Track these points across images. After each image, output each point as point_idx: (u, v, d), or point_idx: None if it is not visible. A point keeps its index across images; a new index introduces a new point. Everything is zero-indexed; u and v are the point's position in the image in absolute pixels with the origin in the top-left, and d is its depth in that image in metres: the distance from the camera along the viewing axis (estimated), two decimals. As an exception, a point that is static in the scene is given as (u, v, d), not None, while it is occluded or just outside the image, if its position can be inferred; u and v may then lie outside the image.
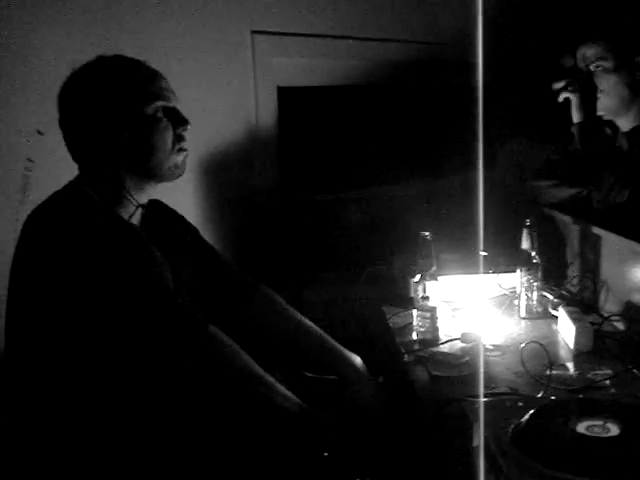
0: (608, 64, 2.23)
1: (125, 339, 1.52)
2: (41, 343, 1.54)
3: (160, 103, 1.65)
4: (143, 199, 1.72)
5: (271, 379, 1.60)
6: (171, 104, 1.69)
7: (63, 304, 1.50)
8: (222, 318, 1.74)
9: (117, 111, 1.61)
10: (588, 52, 2.26)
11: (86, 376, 1.52)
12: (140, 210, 1.72)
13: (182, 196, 2.59)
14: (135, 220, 1.71)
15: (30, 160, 2.18)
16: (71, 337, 1.51)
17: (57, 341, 1.52)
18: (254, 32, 2.76)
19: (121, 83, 1.63)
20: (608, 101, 2.26)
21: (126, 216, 1.68)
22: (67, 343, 1.51)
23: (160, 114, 1.65)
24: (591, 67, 2.26)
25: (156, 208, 1.84)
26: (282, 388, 1.61)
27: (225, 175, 2.75)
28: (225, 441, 1.62)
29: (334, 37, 2.97)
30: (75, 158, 1.68)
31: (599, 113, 2.30)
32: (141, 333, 1.52)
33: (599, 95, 2.26)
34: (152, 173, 1.67)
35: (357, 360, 1.89)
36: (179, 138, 1.69)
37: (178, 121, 1.68)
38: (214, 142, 2.69)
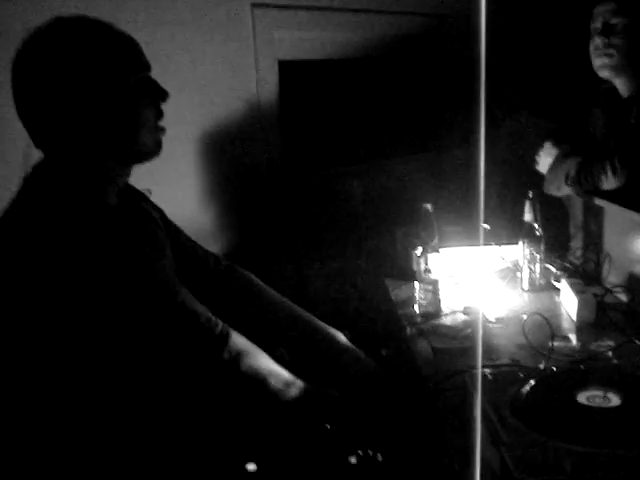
0: (623, 21, 2.19)
1: (140, 349, 1.45)
2: (37, 349, 1.42)
3: (144, 74, 1.48)
4: (121, 183, 1.56)
5: (284, 372, 1.58)
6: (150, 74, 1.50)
7: (66, 310, 1.38)
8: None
9: (98, 81, 1.39)
10: (603, 7, 2.22)
11: (88, 378, 1.45)
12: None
13: (183, 171, 2.58)
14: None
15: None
16: (73, 342, 1.41)
17: (58, 348, 1.41)
18: (254, 5, 2.73)
19: (101, 49, 1.41)
20: (617, 59, 2.23)
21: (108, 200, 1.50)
22: (68, 349, 1.41)
23: (143, 86, 1.47)
24: (609, 22, 2.22)
25: (126, 190, 1.64)
26: (290, 376, 1.58)
27: (226, 150, 2.74)
28: (229, 422, 1.62)
29: (335, 10, 2.94)
30: (39, 141, 1.46)
31: (603, 73, 2.27)
32: (160, 345, 1.46)
33: (611, 51, 2.23)
34: (137, 152, 1.50)
35: (341, 336, 1.84)
36: (160, 113, 1.51)
37: (159, 93, 1.50)
38: (214, 117, 2.68)
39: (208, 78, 2.63)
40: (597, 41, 2.24)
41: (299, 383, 1.59)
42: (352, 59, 3.12)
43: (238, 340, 1.53)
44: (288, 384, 1.57)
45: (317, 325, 1.85)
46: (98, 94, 1.40)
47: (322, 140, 3.11)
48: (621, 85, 2.28)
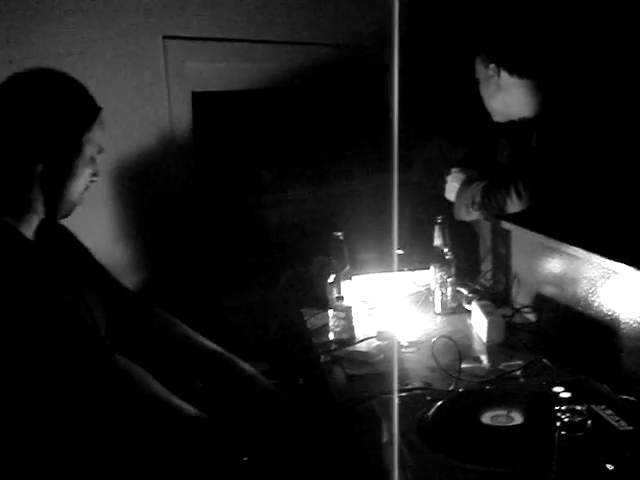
0: (477, 75, 2.36)
1: (30, 367, 1.46)
2: None
3: (98, 151, 1.63)
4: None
5: (177, 401, 1.57)
6: None
7: None
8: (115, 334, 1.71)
9: (59, 137, 1.54)
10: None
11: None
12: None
13: (95, 206, 2.54)
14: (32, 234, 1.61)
15: None
16: None
17: None
18: (165, 37, 2.73)
19: (74, 114, 1.57)
20: (489, 108, 2.37)
21: (28, 232, 1.58)
22: None
23: (91, 161, 1.62)
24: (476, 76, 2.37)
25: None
26: (187, 407, 1.57)
27: (140, 183, 2.71)
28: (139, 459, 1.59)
29: (248, 41, 2.96)
30: None
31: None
32: (46, 362, 1.46)
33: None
34: (53, 209, 1.61)
35: (251, 369, 1.84)
36: (86, 188, 1.65)
37: (95, 172, 1.65)
38: (127, 149, 2.65)
39: (120, 110, 2.60)
40: None
41: (200, 415, 1.58)
42: (267, 90, 3.14)
43: (123, 361, 1.53)
44: (192, 417, 1.56)
45: (230, 359, 1.85)
46: (49, 144, 1.53)
47: (238, 170, 3.11)
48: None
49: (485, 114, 2.50)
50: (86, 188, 1.65)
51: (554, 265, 2.05)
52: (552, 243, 2.03)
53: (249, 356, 1.97)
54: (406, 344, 2.01)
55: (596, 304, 1.82)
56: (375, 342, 2.04)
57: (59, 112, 1.55)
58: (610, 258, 1.74)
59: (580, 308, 1.91)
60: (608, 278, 1.76)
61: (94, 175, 1.65)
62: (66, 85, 1.60)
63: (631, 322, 1.66)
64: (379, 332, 2.05)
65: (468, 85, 3.03)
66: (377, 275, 2.44)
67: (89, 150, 1.60)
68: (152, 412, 1.53)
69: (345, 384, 1.81)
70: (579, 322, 1.91)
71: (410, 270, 2.46)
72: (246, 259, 2.93)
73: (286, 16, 3.04)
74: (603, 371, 1.64)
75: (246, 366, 1.83)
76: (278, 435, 1.64)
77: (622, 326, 1.71)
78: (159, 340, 1.89)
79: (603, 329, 1.78)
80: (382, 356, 1.92)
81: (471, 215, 2.32)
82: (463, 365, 1.79)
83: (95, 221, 2.53)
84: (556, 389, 1.41)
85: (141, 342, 1.87)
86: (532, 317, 2.17)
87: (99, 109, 1.64)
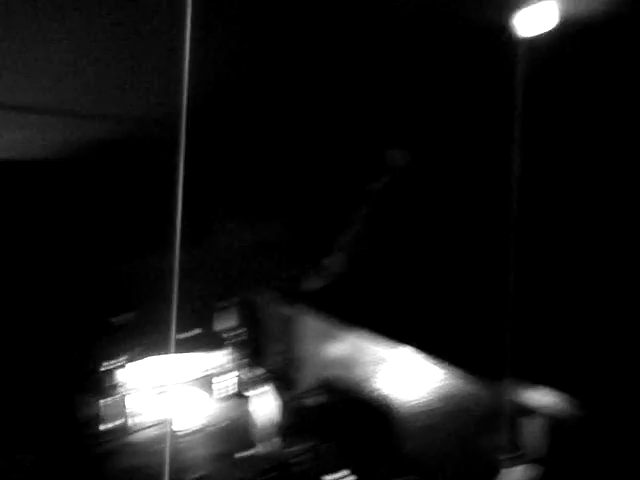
0: None
1: None
2: None
3: None
4: None
5: None
6: None
7: None
8: None
9: None
10: None
11: None
12: None
13: None
14: None
15: None
16: None
17: None
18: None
19: None
20: None
21: None
22: None
23: None
24: None
25: None
26: None
27: None
28: None
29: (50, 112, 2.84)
30: None
31: None
32: None
33: None
34: None
35: None
36: None
37: None
38: None
39: None
40: None
41: None
42: (67, 159, 3.02)
43: None
44: None
45: None
46: None
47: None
48: None
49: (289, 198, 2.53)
50: None
51: (337, 348, 2.08)
52: (334, 327, 2.06)
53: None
54: (187, 431, 1.93)
55: (376, 387, 1.86)
56: (153, 431, 1.94)
57: None
58: (388, 340, 1.79)
59: (362, 391, 1.94)
60: (386, 361, 1.80)
61: None
62: None
63: (407, 405, 1.71)
64: (159, 420, 1.96)
65: (268, 164, 3.08)
66: (158, 359, 2.33)
67: None
68: None
69: (124, 477, 1.70)
70: (361, 405, 1.93)
71: (195, 353, 2.39)
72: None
73: (83, 90, 2.95)
74: (385, 453, 1.66)
75: None
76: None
77: (400, 409, 1.75)
78: None
79: (382, 412, 1.81)
80: (161, 445, 1.82)
81: (266, 295, 2.32)
82: (246, 452, 1.75)
83: None
84: (329, 478, 1.40)
85: None
86: (317, 400, 2.17)
87: None
